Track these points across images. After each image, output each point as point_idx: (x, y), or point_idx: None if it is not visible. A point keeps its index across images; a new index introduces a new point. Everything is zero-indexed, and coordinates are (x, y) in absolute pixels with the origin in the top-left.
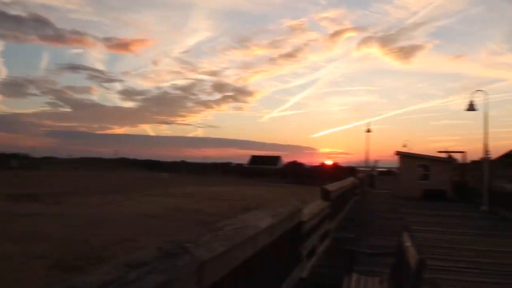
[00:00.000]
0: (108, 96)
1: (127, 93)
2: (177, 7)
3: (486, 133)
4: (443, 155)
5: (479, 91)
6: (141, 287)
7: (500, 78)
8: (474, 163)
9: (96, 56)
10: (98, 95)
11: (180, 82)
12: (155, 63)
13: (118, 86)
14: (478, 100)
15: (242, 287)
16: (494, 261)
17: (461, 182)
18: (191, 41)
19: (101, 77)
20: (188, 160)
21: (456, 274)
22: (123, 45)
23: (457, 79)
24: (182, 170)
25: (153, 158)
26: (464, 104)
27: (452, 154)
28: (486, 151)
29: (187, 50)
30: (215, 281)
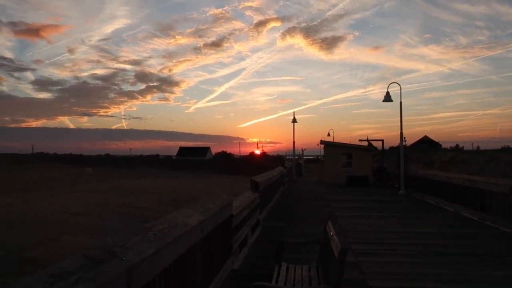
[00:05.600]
0: (19, 87)
1: (41, 83)
2: None
3: (401, 122)
4: (364, 143)
5: (394, 83)
6: None
7: (413, 69)
8: (392, 149)
9: (1, 43)
10: (7, 85)
11: (100, 71)
12: (71, 51)
13: (30, 75)
14: (394, 91)
15: (174, 284)
16: (409, 242)
17: (380, 168)
18: (109, 28)
19: (9, 66)
20: (113, 153)
21: (376, 256)
22: (33, 31)
23: (375, 69)
24: (107, 164)
25: (74, 152)
26: (382, 93)
27: (372, 142)
28: (402, 138)
29: (105, 38)
30: (147, 282)
